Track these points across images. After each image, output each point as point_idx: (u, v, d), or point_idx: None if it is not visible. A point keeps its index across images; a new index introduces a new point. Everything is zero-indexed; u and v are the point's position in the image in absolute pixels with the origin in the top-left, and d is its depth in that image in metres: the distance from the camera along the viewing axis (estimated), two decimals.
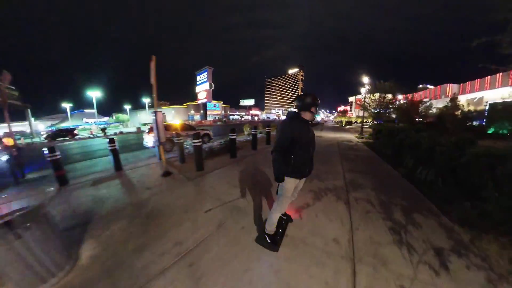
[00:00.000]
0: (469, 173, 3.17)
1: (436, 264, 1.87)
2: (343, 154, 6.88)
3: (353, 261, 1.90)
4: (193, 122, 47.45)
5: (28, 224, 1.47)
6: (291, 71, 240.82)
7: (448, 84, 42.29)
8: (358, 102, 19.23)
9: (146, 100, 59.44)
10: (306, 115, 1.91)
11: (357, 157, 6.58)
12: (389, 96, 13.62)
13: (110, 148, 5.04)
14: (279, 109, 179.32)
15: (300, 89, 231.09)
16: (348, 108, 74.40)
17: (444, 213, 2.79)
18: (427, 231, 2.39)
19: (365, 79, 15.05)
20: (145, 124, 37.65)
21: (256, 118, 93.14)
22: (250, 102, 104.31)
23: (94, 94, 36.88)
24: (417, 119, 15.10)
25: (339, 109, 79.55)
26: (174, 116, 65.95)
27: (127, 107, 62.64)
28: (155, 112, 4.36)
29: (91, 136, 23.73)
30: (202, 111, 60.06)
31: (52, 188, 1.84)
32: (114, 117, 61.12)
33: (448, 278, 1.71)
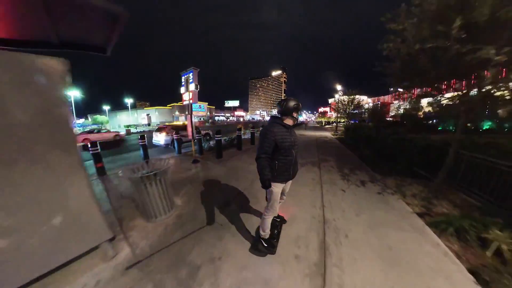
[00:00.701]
0: (389, 150, 5.33)
1: (360, 185, 3.80)
2: (319, 145, 8.97)
3: (321, 184, 3.74)
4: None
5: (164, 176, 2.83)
6: (274, 73, 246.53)
7: (415, 88, 48.11)
8: (332, 106, 22.04)
9: (128, 101, 57.85)
10: (288, 120, 1.93)
11: (329, 147, 8.72)
12: (357, 99, 16.38)
13: (140, 143, 6.51)
14: (263, 111, 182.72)
15: (283, 91, 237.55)
16: (327, 109, 79.42)
17: (372, 170, 4.84)
18: (360, 175, 4.37)
19: (338, 87, 17.82)
20: (128, 126, 34.83)
21: (241, 119, 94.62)
22: (235, 103, 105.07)
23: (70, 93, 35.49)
24: (387, 119, 18.06)
25: (320, 110, 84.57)
26: (158, 118, 64.83)
27: (106, 107, 60.13)
28: (190, 115, 5.94)
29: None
30: (187, 112, 59.87)
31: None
32: (90, 119, 58.06)
33: (365, 189, 3.62)
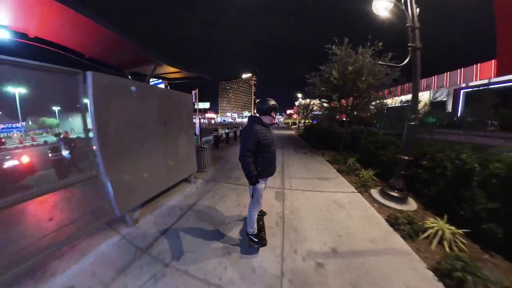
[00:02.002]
0: (324, 138, 8.84)
1: (303, 153, 7.06)
2: (284, 139, 12.37)
3: (283, 165, 6.70)
4: None
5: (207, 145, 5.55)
6: (244, 75, 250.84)
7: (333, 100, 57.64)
8: (294, 110, 26.40)
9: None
10: (267, 119, 2.04)
11: (291, 139, 12.23)
12: (314, 103, 20.65)
13: None
14: (234, 113, 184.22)
15: (253, 93, 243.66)
16: (294, 111, 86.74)
17: (312, 148, 8.24)
18: (304, 150, 7.82)
19: (299, 94, 22.02)
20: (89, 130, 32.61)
21: (212, 121, 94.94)
22: (206, 105, 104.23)
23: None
24: (342, 119, 22.75)
25: (288, 112, 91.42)
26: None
27: (56, 108, 53.16)
28: (199, 118, 8.35)
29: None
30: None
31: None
32: (31, 122, 49.78)
33: (305, 155, 6.86)
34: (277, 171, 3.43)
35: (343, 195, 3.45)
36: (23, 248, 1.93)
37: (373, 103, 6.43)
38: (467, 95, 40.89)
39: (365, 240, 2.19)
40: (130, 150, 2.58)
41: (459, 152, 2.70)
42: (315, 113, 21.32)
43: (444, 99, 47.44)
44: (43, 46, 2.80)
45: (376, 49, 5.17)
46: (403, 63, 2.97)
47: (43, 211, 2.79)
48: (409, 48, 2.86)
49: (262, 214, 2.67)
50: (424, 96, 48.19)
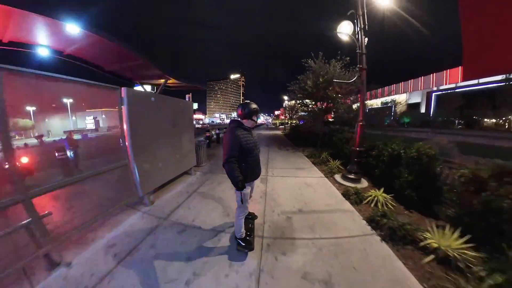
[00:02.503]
0: (312, 138, 9.93)
1: (286, 150, 8.06)
2: (270, 139, 13.42)
3: (267, 159, 7.67)
4: None
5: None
6: (233, 76, 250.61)
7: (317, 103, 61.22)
8: (281, 111, 27.70)
9: (67, 101, 50.49)
10: (248, 123, 2.05)
11: (277, 138, 13.32)
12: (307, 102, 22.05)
13: None
14: (222, 113, 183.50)
15: (241, 94, 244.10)
16: (281, 112, 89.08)
17: (295, 145, 9.30)
18: (288, 147, 8.90)
19: (285, 97, 23.28)
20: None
21: (201, 122, 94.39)
22: (194, 106, 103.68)
23: None
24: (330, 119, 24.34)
25: (276, 113, 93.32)
26: (105, 121, 58.37)
27: (31, 109, 49.91)
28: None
29: None
30: None
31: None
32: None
33: (288, 151, 7.87)
34: (262, 163, 4.30)
35: (313, 179, 4.45)
36: (79, 216, 2.65)
37: (342, 107, 7.61)
38: (438, 97, 45.01)
39: (323, 205, 3.15)
40: (149, 145, 3.34)
41: (392, 143, 3.77)
42: (301, 114, 22.65)
43: (419, 101, 51.48)
44: (74, 62, 3.47)
45: (344, 62, 6.29)
46: (353, 80, 4.01)
47: (91, 191, 3.39)
48: (357, 69, 3.90)
49: (253, 217, 2.69)
50: (401, 98, 52.12)
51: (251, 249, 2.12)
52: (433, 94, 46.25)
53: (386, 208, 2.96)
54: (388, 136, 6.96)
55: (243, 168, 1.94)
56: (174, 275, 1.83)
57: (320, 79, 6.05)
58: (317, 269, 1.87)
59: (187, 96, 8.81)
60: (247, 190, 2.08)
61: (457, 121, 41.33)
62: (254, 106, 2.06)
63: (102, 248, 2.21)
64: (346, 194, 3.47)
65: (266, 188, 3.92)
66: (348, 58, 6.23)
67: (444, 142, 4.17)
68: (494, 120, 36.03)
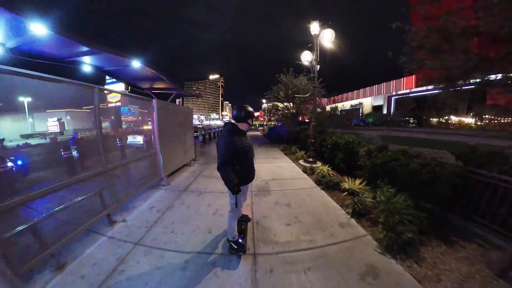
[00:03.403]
0: (286, 136, 11.79)
1: (265, 146, 9.77)
2: (252, 139, 15.03)
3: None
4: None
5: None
6: (212, 77, 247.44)
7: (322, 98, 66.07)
8: (261, 113, 29.71)
9: (24, 100, 45.54)
10: (243, 126, 2.04)
11: (258, 139, 15.01)
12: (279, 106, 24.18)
13: None
14: (201, 115, 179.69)
15: (220, 95, 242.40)
16: (260, 114, 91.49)
17: (272, 143, 11.08)
18: (266, 145, 10.67)
19: (263, 100, 25.25)
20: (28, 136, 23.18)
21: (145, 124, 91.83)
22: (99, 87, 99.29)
23: None
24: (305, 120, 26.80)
25: (256, 114, 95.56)
26: (69, 123, 53.72)
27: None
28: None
29: None
30: (113, 117, 53.31)
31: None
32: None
33: (267, 147, 9.55)
34: None
35: (283, 163, 6.23)
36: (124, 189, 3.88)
37: (305, 112, 9.66)
38: (396, 101, 51.85)
39: (288, 176, 4.85)
40: (168, 139, 4.66)
41: (333, 135, 5.65)
42: (278, 116, 24.82)
43: (381, 103, 58.38)
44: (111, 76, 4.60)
45: (309, 77, 8.21)
46: (307, 95, 5.82)
47: (132, 171, 4.48)
48: (311, 87, 5.71)
49: (246, 220, 2.70)
50: (367, 101, 58.71)
51: (244, 251, 2.10)
52: (392, 98, 53.11)
53: (327, 175, 4.76)
54: (347, 132, 9.03)
55: (238, 171, 1.93)
56: (203, 211, 3.25)
57: (289, 92, 7.90)
58: (283, 200, 3.50)
59: (177, 101, 9.97)
60: (242, 195, 2.10)
61: (411, 120, 48.30)
62: (250, 109, 2.05)
63: (145, 209, 3.35)
64: (304, 170, 5.22)
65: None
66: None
67: (372, 135, 6.15)
68: (436, 120, 42.91)
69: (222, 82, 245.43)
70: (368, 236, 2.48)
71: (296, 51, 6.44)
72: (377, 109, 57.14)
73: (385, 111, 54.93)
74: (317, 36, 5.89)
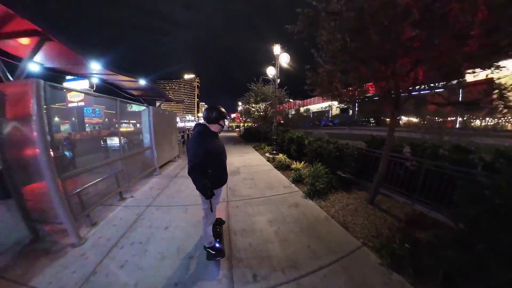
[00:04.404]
0: (258, 136, 13.42)
1: (240, 145, 11.28)
2: (228, 139, 16.45)
3: (226, 149, 10.82)
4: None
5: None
6: (187, 76, 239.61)
7: (296, 100, 70.19)
8: (237, 115, 31.31)
9: None
10: (215, 127, 1.98)
11: (233, 139, 16.47)
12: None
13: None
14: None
15: (196, 96, 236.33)
16: (237, 115, 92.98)
17: (247, 142, 12.65)
18: (241, 143, 12.17)
19: (239, 102, 26.93)
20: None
21: (138, 125, 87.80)
22: (141, 107, 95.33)
23: None
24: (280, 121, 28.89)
25: (232, 116, 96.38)
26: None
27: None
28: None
29: None
30: (75, 119, 48.75)
31: None
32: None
33: (241, 146, 11.07)
34: None
35: (253, 156, 7.87)
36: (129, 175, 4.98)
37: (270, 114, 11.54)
38: (359, 104, 58.50)
39: (255, 164, 6.47)
40: (159, 138, 5.82)
41: (289, 133, 7.42)
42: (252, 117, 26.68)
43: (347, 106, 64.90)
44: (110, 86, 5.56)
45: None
46: (269, 102, 7.51)
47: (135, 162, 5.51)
48: (273, 96, 7.40)
49: (220, 222, 2.66)
50: (335, 104, 64.90)
51: (222, 255, 2.07)
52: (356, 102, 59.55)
53: (283, 161, 6.46)
54: (310, 132, 11.06)
55: (210, 174, 1.89)
56: (193, 187, 4.58)
57: (258, 98, 9.58)
58: (248, 177, 5.05)
59: (158, 103, 10.83)
60: (216, 199, 2.05)
61: (372, 120, 54.91)
62: (221, 110, 2.00)
63: (147, 189, 4.53)
64: (268, 160, 6.88)
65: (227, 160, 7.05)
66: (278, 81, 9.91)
67: (322, 132, 8.11)
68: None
69: (198, 82, 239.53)
70: (300, 191, 4.12)
71: (268, 59, 8.11)
72: (344, 111, 63.31)
73: (351, 113, 61.36)
74: (278, 56, 7.61)
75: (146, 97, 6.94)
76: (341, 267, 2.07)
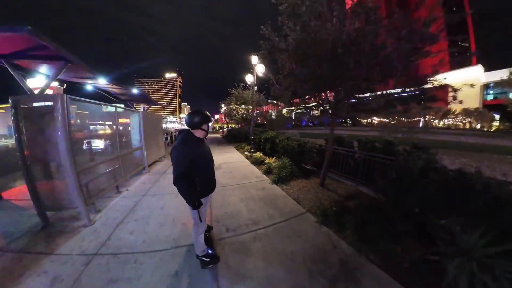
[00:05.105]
0: (240, 137, 14.38)
1: (223, 145, 12.16)
2: (212, 140, 17.18)
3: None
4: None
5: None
6: (168, 75, 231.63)
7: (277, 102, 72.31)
8: (221, 116, 32.02)
9: None
10: (199, 133, 1.90)
11: (217, 140, 17.22)
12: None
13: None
14: None
15: (178, 96, 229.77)
16: (220, 117, 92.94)
17: (229, 142, 13.58)
18: (224, 144, 13.12)
19: (222, 105, 27.73)
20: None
21: (129, 128, 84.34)
22: (118, 108, 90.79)
23: None
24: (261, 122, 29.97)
25: (216, 117, 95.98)
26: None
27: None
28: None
29: None
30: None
31: None
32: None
33: (224, 146, 11.97)
34: None
35: (233, 154, 8.88)
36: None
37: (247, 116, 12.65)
38: (335, 103, 62.24)
39: (234, 161, 7.48)
40: (148, 139, 6.51)
41: (265, 132, 8.52)
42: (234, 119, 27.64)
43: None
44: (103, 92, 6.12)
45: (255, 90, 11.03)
46: (246, 108, 8.55)
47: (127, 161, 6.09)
48: (252, 102, 8.43)
49: (209, 229, 2.66)
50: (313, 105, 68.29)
51: (217, 261, 2.09)
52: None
53: (259, 157, 7.50)
54: (284, 132, 12.28)
55: (197, 183, 1.85)
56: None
57: (238, 102, 10.59)
58: (228, 170, 6.03)
59: (141, 106, 11.28)
60: (205, 207, 2.01)
61: (349, 121, 58.68)
62: (204, 113, 1.89)
63: (140, 184, 5.29)
64: (246, 157, 7.90)
65: None
66: (256, 87, 10.96)
67: (294, 132, 9.33)
68: (365, 120, 53.30)
69: (180, 81, 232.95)
70: (268, 179, 5.17)
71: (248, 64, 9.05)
72: (323, 112, 66.99)
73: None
74: (255, 65, 8.64)
75: (133, 102, 7.55)
76: (288, 224, 3.11)
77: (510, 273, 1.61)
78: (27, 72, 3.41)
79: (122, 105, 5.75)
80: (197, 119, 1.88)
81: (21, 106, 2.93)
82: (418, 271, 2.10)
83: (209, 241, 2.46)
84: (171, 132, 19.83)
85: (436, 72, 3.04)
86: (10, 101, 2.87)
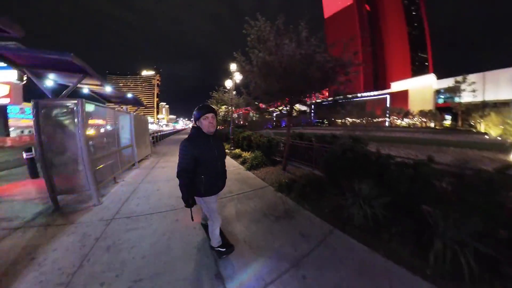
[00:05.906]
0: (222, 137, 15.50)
1: None
2: None
3: None
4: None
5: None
6: (145, 73, 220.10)
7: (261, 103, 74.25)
8: None
9: None
10: (203, 126, 1.87)
11: None
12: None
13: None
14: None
15: (156, 95, 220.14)
16: None
17: None
18: None
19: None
20: None
21: (102, 130, 78.96)
22: (89, 107, 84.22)
23: None
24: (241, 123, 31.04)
25: None
26: None
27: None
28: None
29: None
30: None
31: None
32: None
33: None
34: None
35: None
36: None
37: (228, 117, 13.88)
38: (315, 106, 66.19)
39: None
40: (138, 139, 7.35)
41: (243, 132, 9.81)
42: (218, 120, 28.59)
43: (305, 109, 71.71)
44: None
45: (235, 93, 12.23)
46: (226, 110, 9.79)
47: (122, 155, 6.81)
48: (231, 104, 9.64)
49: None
50: (296, 106, 72.08)
51: (232, 250, 2.15)
52: (312, 105, 67.17)
53: (238, 153, 8.72)
54: (259, 131, 13.63)
55: (202, 180, 1.84)
56: (169, 172, 6.43)
57: (218, 105, 11.72)
58: None
59: (124, 107, 11.79)
60: (213, 203, 2.02)
61: (325, 121, 63.02)
62: (202, 105, 1.90)
63: (133, 175, 6.15)
64: (228, 154, 9.05)
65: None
66: (235, 91, 12.18)
67: (269, 132, 10.73)
68: (339, 120, 57.79)
69: (158, 80, 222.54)
70: (243, 168, 6.46)
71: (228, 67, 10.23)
72: (303, 113, 70.67)
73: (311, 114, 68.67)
74: (233, 72, 9.86)
75: (123, 105, 8.28)
76: (254, 192, 4.41)
77: (379, 204, 2.98)
78: (44, 78, 4.22)
79: (117, 107, 6.56)
80: (197, 111, 1.89)
81: (42, 106, 3.57)
82: (333, 211, 3.46)
83: (221, 233, 2.52)
84: (154, 133, 20.02)
85: (346, 88, 4.63)
86: (32, 102, 3.65)
